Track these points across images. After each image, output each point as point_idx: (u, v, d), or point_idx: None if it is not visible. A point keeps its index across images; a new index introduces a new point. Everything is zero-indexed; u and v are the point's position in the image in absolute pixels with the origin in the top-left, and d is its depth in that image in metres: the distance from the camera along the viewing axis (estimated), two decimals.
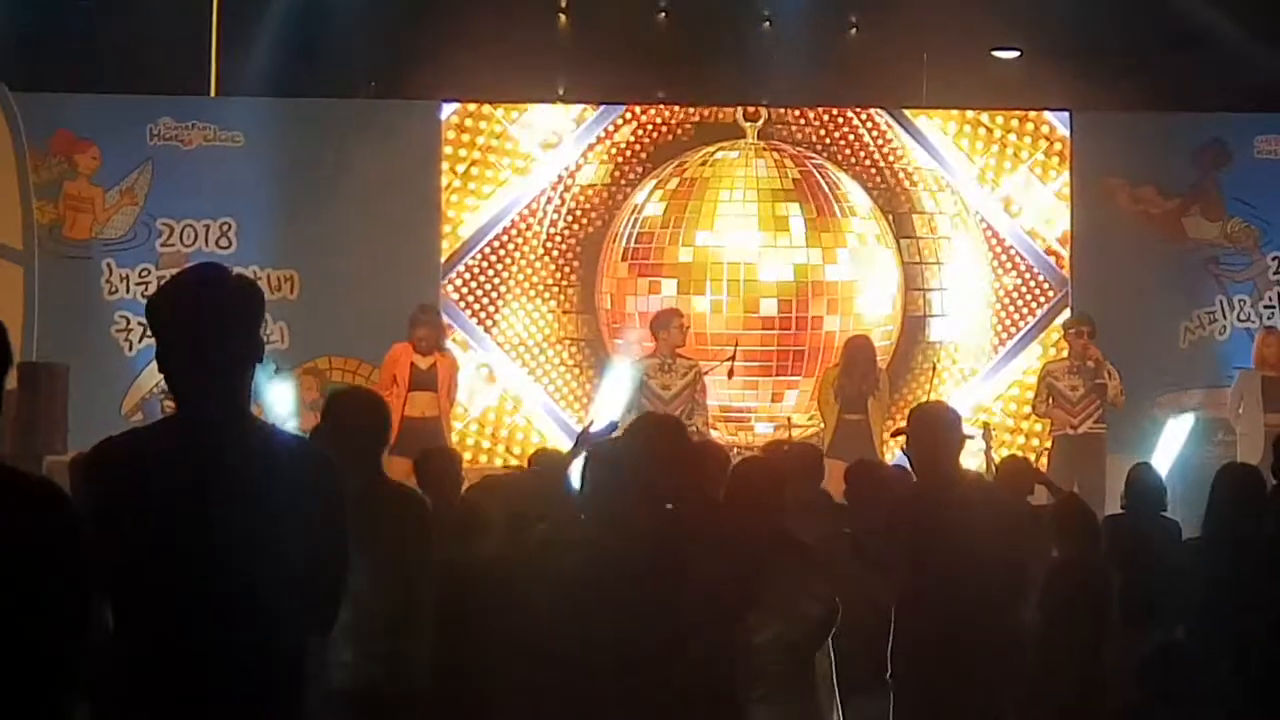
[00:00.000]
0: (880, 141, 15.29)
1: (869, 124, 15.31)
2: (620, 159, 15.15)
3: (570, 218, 15.12)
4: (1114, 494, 10.69)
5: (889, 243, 15.13)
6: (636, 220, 15.07)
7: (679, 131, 15.21)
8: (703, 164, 15.12)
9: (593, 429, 8.21)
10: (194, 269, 4.12)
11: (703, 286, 14.88)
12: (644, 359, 13.48)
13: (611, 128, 15.18)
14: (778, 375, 14.85)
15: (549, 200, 15.13)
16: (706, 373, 13.53)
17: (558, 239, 15.12)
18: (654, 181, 15.09)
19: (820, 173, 15.15)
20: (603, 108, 15.24)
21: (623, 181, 15.14)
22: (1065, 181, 15.30)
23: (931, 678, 6.74)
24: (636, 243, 15.05)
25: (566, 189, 15.12)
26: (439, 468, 8.55)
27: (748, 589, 6.59)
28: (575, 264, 15.10)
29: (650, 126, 15.20)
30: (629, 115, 15.21)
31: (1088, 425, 13.28)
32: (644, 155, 15.17)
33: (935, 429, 7.10)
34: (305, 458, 4.07)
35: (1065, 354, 13.78)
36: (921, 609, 6.81)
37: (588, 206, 15.12)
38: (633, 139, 15.18)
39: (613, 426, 8.61)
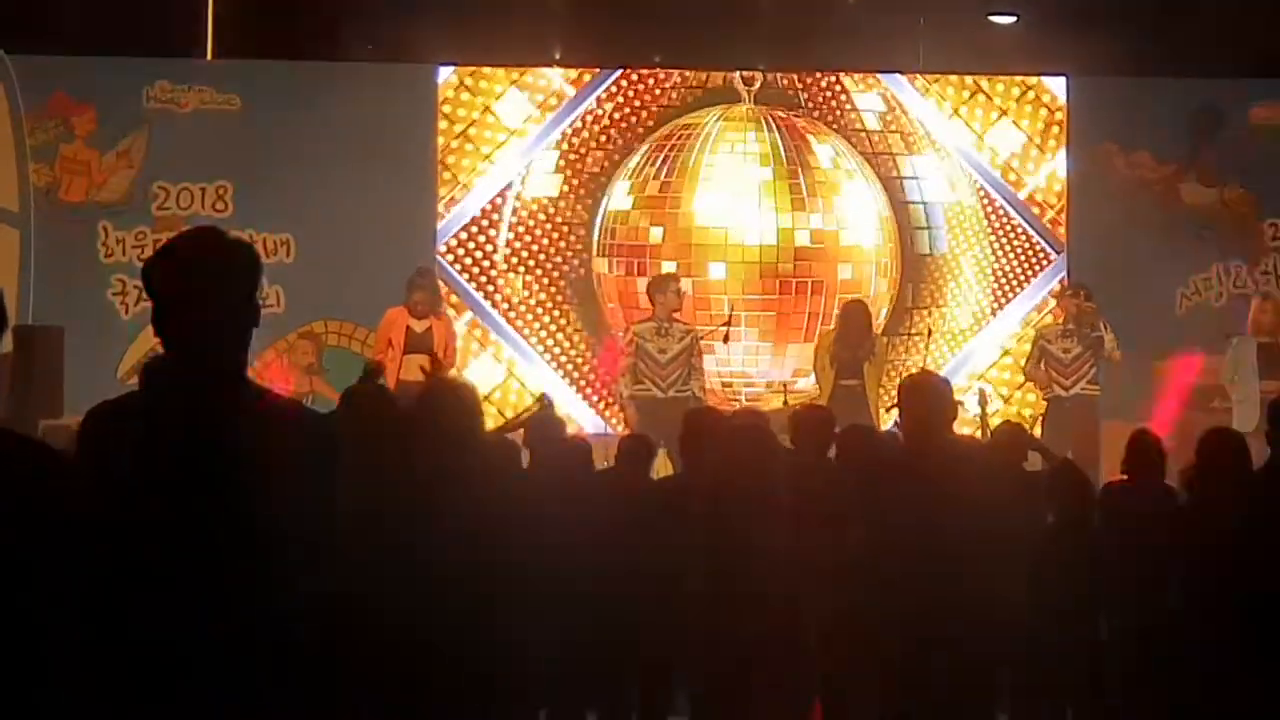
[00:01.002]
0: (873, 106, 15.28)
1: (862, 88, 15.30)
2: (616, 123, 15.13)
3: (565, 182, 15.11)
4: (1108, 460, 10.71)
5: (870, 178, 15.15)
6: (624, 190, 15.06)
7: (673, 97, 15.19)
8: (693, 130, 15.10)
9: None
10: (190, 232, 4.09)
11: (702, 254, 14.88)
12: (640, 323, 13.46)
13: (611, 91, 15.16)
14: (789, 341, 14.86)
15: (545, 164, 15.11)
16: (703, 337, 13.52)
17: (551, 205, 15.10)
18: (645, 147, 15.09)
19: (803, 136, 15.14)
20: (599, 71, 15.23)
21: (620, 143, 15.13)
22: (1061, 147, 15.29)
23: (921, 647, 6.74)
24: (619, 214, 15.05)
25: (562, 153, 15.11)
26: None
27: (735, 554, 6.62)
28: (570, 229, 15.08)
29: (644, 91, 15.19)
30: (624, 80, 15.21)
31: (1079, 387, 13.27)
32: (639, 120, 15.15)
33: (926, 399, 7.05)
34: (301, 423, 4.06)
35: (1062, 320, 13.78)
36: (909, 577, 6.80)
37: (584, 172, 15.10)
38: (627, 104, 15.16)
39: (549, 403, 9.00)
